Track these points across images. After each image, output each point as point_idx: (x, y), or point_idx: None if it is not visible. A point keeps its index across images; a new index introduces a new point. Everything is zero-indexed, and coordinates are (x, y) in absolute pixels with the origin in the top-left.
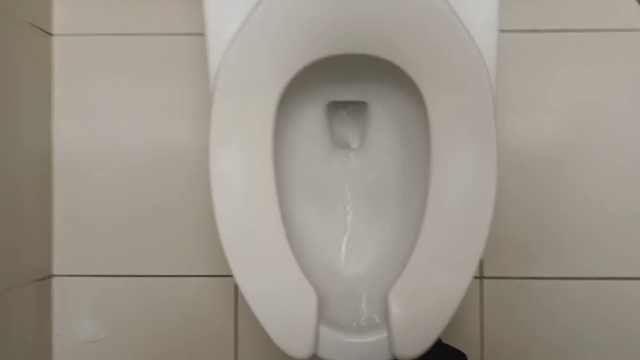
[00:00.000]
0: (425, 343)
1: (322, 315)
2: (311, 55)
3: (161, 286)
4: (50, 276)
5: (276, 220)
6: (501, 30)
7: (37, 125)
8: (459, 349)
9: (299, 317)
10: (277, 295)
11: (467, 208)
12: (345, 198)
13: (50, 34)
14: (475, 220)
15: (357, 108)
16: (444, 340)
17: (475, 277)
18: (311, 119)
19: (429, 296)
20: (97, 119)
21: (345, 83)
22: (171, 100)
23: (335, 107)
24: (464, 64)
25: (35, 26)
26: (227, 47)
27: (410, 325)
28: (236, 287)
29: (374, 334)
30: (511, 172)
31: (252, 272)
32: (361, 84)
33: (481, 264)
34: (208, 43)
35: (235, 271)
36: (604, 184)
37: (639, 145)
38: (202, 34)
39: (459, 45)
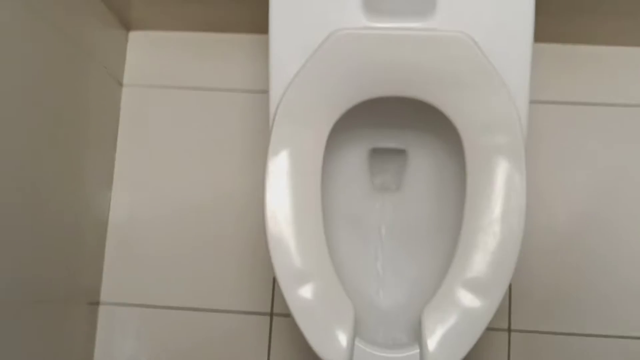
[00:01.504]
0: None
1: (358, 329)
2: (359, 96)
3: (201, 319)
4: (98, 302)
5: (321, 240)
6: (531, 102)
7: (101, 164)
8: None
9: (337, 326)
10: (318, 306)
11: (498, 237)
12: (381, 233)
13: (121, 84)
14: (506, 250)
15: (397, 154)
16: None
17: (504, 330)
18: (354, 161)
19: (459, 316)
20: (155, 161)
21: (387, 131)
22: (224, 147)
23: (377, 153)
24: (497, 107)
25: (110, 74)
26: (287, 86)
27: (441, 342)
28: (271, 327)
29: (406, 350)
30: (540, 233)
31: (296, 285)
32: (401, 132)
33: (510, 316)
34: (271, 82)
35: (282, 284)
36: (627, 248)
37: None
38: (257, 91)
39: (494, 90)
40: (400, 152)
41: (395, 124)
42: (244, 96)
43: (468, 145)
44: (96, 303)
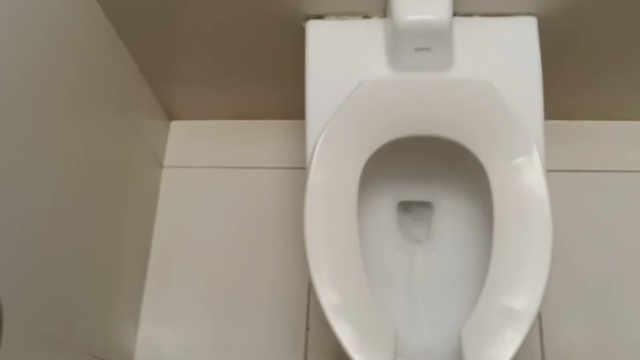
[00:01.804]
0: None
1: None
2: (388, 135)
3: None
4: None
5: (360, 271)
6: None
7: (139, 234)
8: None
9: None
10: (364, 329)
11: (526, 263)
12: (412, 281)
13: (162, 166)
14: (534, 277)
15: (424, 207)
16: None
17: None
18: (385, 214)
19: (494, 338)
20: (190, 232)
21: (414, 184)
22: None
23: (406, 206)
24: (514, 139)
25: (155, 155)
26: (321, 131)
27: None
28: None
29: None
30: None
31: (343, 316)
32: (427, 185)
33: None
34: (307, 128)
35: (330, 317)
36: None
37: None
38: (282, 167)
39: (513, 127)
40: (427, 204)
41: (421, 178)
42: (273, 172)
43: (493, 178)
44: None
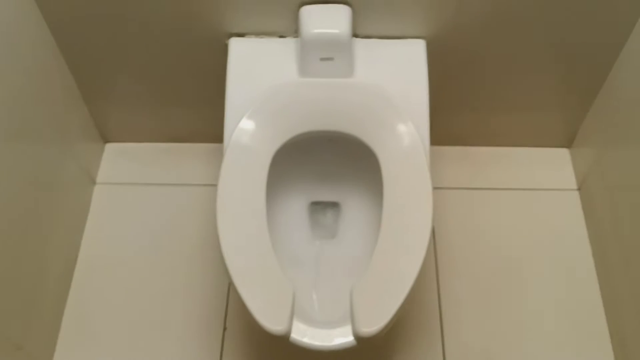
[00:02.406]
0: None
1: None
2: (296, 130)
3: None
4: None
5: (266, 239)
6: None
7: (67, 244)
8: None
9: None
10: (263, 286)
11: (409, 230)
12: (318, 266)
13: (94, 183)
14: (416, 243)
15: (333, 207)
16: None
17: None
18: (297, 214)
19: (384, 282)
20: (117, 242)
21: (324, 186)
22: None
23: (316, 206)
24: (400, 128)
25: (88, 173)
26: (239, 121)
27: (368, 306)
28: None
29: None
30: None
31: (247, 279)
32: (335, 186)
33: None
34: (226, 118)
35: (233, 275)
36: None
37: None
38: (205, 184)
39: (398, 119)
40: (335, 204)
41: (331, 178)
42: (196, 189)
43: (383, 161)
44: None
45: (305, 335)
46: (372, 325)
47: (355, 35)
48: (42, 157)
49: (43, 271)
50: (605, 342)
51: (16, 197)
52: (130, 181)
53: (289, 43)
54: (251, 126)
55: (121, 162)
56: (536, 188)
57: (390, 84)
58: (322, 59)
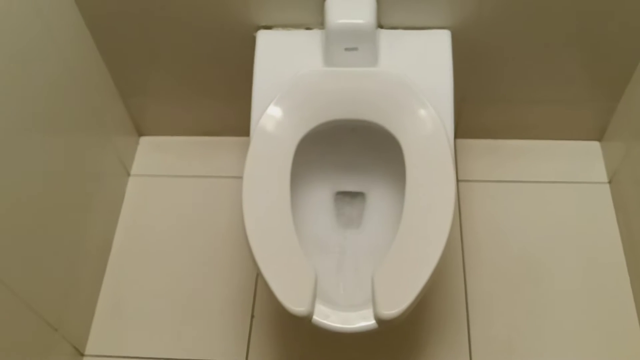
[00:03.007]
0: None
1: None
2: (321, 119)
3: None
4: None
5: (290, 225)
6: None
7: (102, 233)
8: None
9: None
10: (286, 270)
11: (432, 216)
12: (343, 253)
13: (129, 174)
14: (438, 230)
15: (358, 197)
16: None
17: None
18: (323, 204)
19: (405, 270)
20: (150, 233)
21: (350, 176)
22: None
23: (342, 196)
24: (424, 116)
25: (124, 165)
26: (266, 109)
27: (389, 290)
28: None
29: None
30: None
31: (271, 262)
32: (361, 177)
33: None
34: (253, 108)
35: (258, 259)
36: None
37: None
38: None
39: (421, 105)
40: (360, 194)
41: (356, 169)
42: (228, 181)
43: (406, 149)
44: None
45: (327, 317)
46: (393, 308)
47: (380, 26)
48: (83, 149)
49: (79, 257)
50: (636, 339)
51: (57, 186)
52: (163, 173)
53: (315, 35)
54: (277, 113)
55: (155, 155)
56: (566, 181)
57: (415, 73)
58: (347, 49)
